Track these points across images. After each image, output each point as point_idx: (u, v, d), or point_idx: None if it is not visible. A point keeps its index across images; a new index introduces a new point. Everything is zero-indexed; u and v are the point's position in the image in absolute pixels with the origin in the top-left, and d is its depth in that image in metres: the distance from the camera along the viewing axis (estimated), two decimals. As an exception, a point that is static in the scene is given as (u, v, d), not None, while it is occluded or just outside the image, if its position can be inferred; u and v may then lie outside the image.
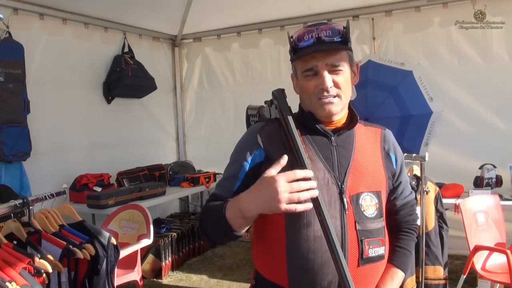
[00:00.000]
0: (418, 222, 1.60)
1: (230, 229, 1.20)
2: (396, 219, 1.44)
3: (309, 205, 1.12)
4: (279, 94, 1.32)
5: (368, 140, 1.38)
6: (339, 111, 1.31)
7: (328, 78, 1.26)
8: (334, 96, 1.28)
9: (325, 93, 1.27)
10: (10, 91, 3.59)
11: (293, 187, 1.10)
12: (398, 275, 1.37)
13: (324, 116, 1.31)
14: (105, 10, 4.47)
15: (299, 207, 1.11)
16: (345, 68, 1.29)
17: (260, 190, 1.15)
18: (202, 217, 1.34)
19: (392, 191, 1.41)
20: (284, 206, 1.10)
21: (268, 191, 1.12)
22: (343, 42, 1.28)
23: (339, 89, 1.28)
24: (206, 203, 1.36)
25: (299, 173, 1.12)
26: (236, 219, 1.19)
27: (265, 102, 1.37)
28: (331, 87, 1.26)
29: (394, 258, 1.39)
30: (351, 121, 1.36)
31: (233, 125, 5.31)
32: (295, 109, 1.38)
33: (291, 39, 1.31)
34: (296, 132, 1.25)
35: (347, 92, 1.31)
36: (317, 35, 1.26)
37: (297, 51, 1.29)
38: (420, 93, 4.20)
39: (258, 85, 5.12)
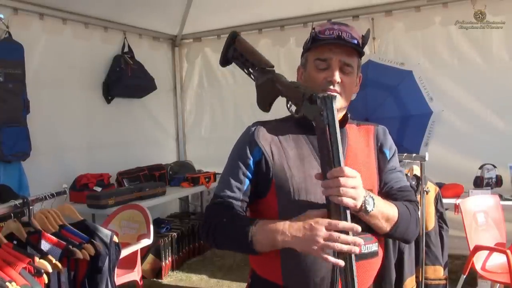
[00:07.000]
0: (419, 214, 1.57)
1: (252, 251, 1.22)
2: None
3: (341, 262, 1.10)
4: (330, 102, 1.19)
5: (360, 140, 1.40)
6: (338, 107, 1.31)
7: (337, 73, 1.29)
8: (338, 93, 1.30)
9: (331, 87, 1.30)
10: (10, 91, 3.59)
11: (332, 237, 1.10)
12: (393, 206, 1.28)
13: None
14: (105, 10, 4.46)
15: (330, 259, 1.10)
16: (353, 71, 1.33)
17: (300, 228, 1.15)
18: (216, 229, 1.29)
19: (384, 179, 1.38)
20: (318, 252, 1.12)
21: (308, 232, 1.13)
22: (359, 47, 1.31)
23: (344, 88, 1.32)
24: (214, 205, 1.33)
25: (343, 224, 1.11)
26: (264, 245, 1.20)
27: (307, 99, 1.24)
28: (338, 82, 1.29)
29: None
30: (343, 120, 1.38)
31: (233, 125, 5.29)
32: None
33: (313, 30, 1.33)
34: (339, 139, 1.16)
35: (349, 95, 1.35)
36: (338, 33, 1.28)
37: (316, 41, 1.31)
38: (420, 93, 4.20)
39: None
